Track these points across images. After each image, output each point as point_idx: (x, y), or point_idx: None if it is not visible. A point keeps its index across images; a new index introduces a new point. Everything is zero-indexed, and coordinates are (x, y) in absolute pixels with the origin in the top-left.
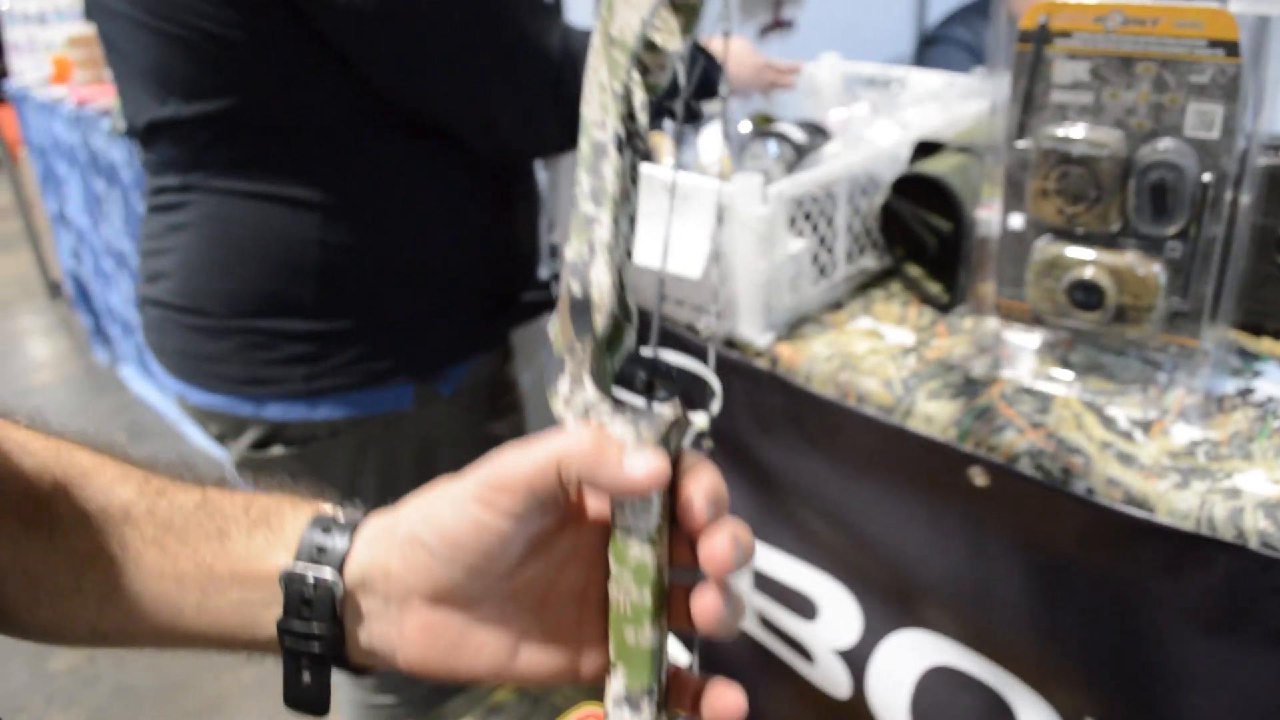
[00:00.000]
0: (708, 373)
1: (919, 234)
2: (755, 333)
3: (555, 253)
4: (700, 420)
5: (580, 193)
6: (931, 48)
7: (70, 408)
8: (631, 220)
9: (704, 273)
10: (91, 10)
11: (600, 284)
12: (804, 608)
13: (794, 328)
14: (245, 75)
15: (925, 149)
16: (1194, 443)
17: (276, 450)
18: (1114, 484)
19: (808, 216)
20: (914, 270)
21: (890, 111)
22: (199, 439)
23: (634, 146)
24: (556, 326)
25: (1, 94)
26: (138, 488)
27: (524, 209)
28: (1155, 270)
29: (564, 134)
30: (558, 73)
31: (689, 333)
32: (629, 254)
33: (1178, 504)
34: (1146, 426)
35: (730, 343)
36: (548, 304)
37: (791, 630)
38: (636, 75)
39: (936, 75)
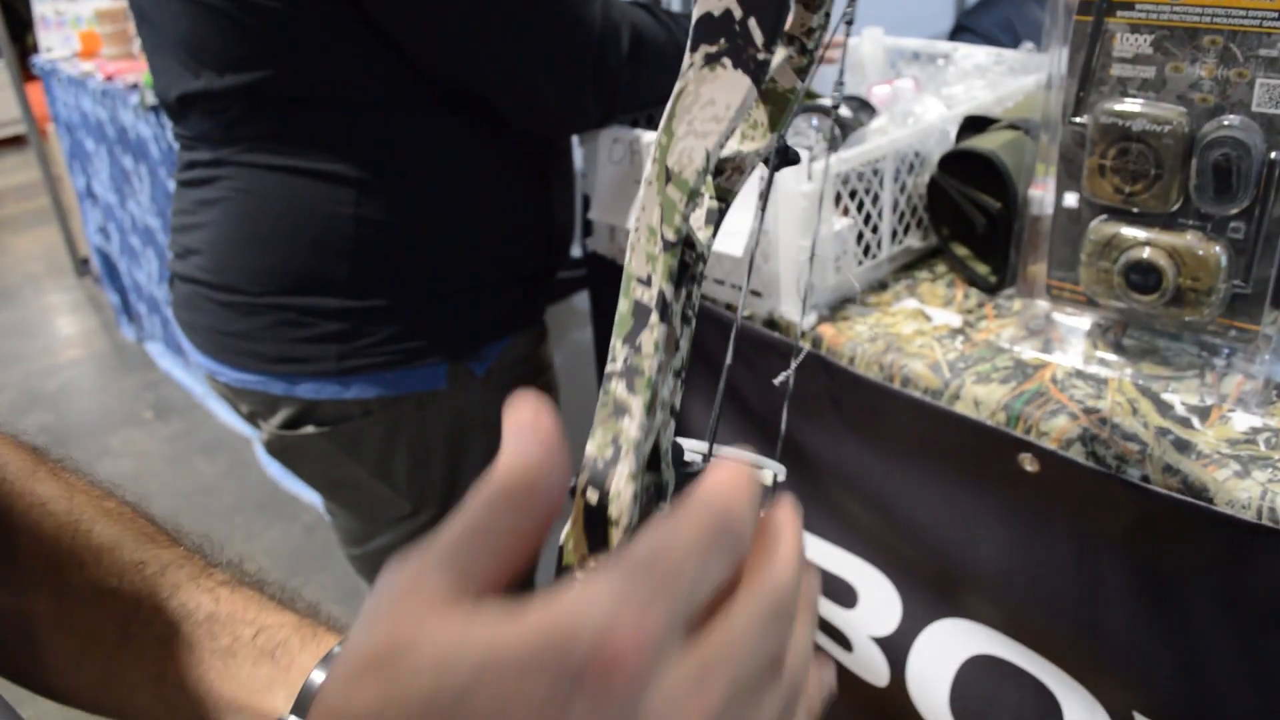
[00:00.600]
0: (770, 464)
1: (967, 213)
2: (797, 313)
3: (589, 230)
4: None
5: (612, 368)
6: (958, 37)
7: (97, 384)
8: (672, 407)
9: (745, 251)
10: None
11: (621, 497)
12: (843, 595)
13: (837, 309)
14: (280, 46)
15: (973, 125)
16: (1254, 430)
17: (308, 429)
18: (1171, 472)
19: (853, 194)
20: (961, 250)
21: (935, 88)
22: (226, 416)
23: (685, 316)
24: (568, 534)
25: (29, 69)
26: (152, 579)
27: (560, 187)
28: (1216, 251)
29: (602, 107)
30: (598, 44)
31: (727, 312)
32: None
33: (1237, 493)
34: (1204, 413)
35: (771, 323)
36: (581, 282)
37: (830, 616)
38: (700, 203)
39: (983, 50)
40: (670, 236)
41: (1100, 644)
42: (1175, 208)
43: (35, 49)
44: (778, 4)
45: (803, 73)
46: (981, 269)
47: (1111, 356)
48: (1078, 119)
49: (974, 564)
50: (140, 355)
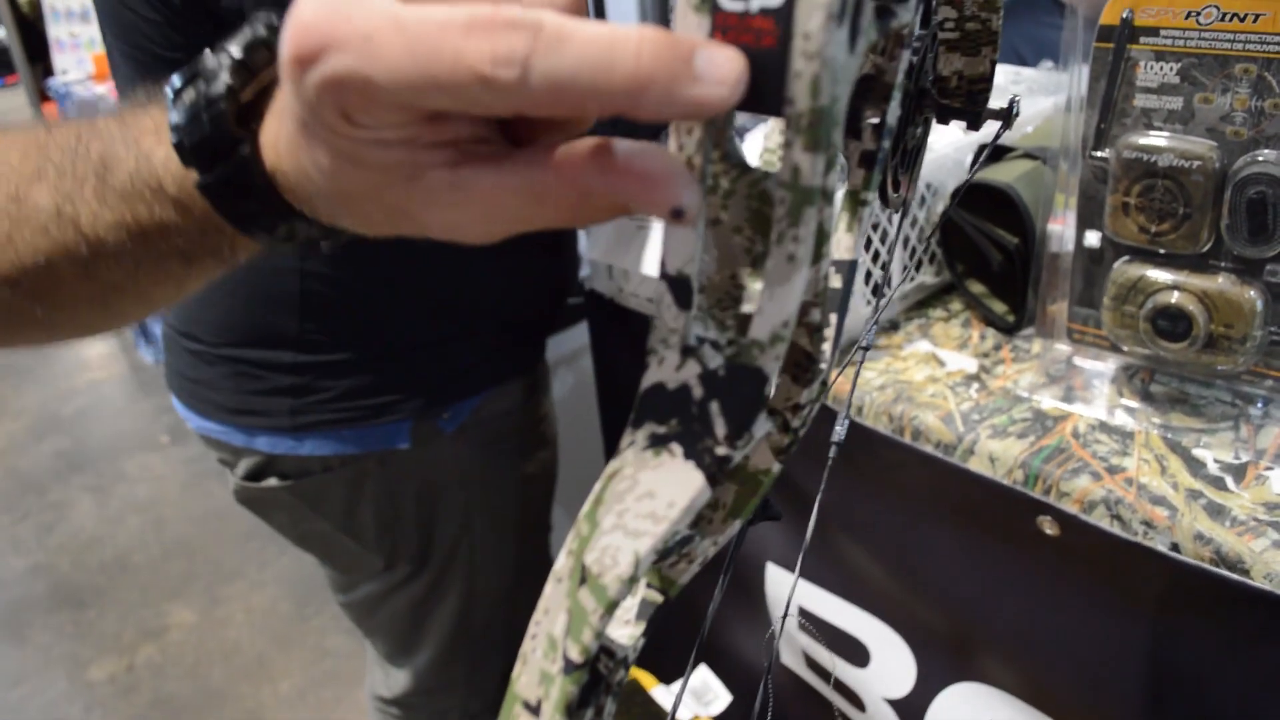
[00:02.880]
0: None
1: (982, 248)
2: None
3: (590, 268)
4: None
5: None
6: None
7: (116, 407)
8: None
9: None
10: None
11: None
12: (855, 653)
13: (844, 351)
14: None
15: (989, 153)
16: None
17: (271, 482)
18: (1202, 540)
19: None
20: (976, 287)
21: None
22: None
23: None
24: None
25: (45, 91)
26: None
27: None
28: (1251, 296)
29: None
30: None
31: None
32: None
33: (1275, 566)
34: (1239, 472)
35: None
36: (582, 311)
37: (841, 675)
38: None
39: (1001, 68)
40: (575, 656)
41: (1126, 718)
42: (1206, 249)
43: (51, 72)
44: (753, 388)
45: (782, 454)
46: (999, 307)
47: (1138, 405)
48: (1099, 153)
49: (992, 627)
50: (157, 378)
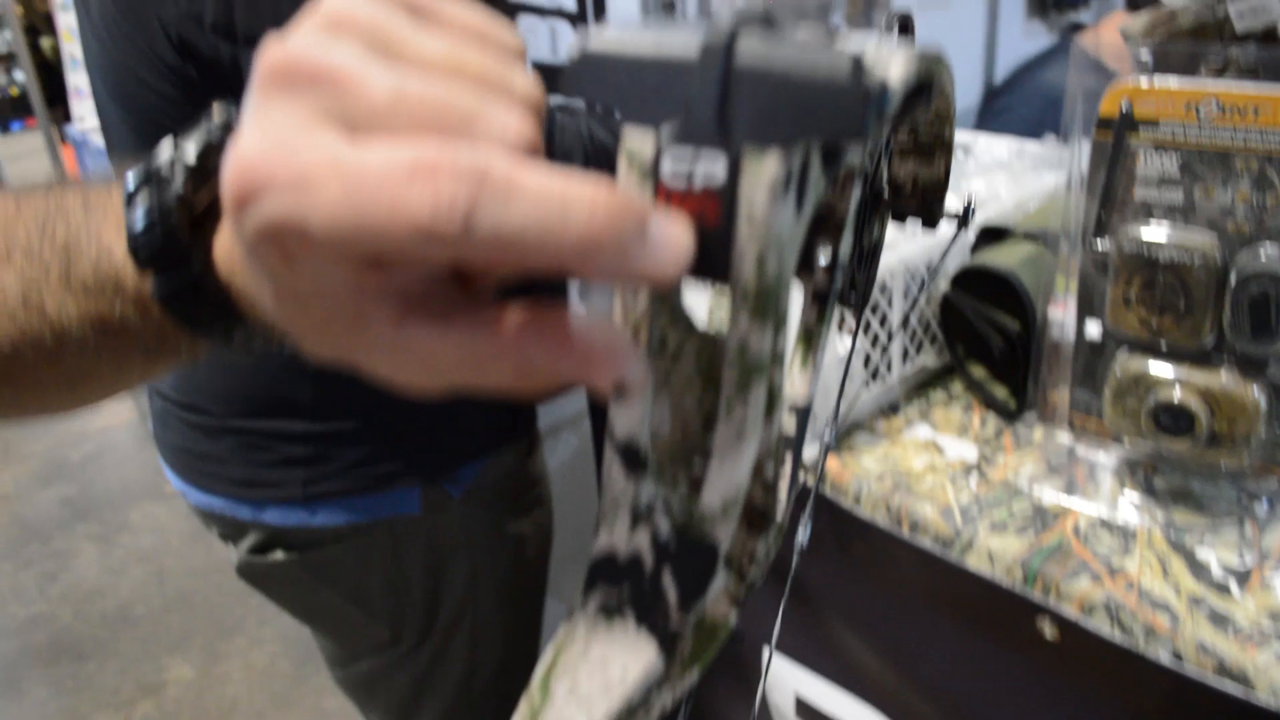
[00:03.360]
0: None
1: (983, 332)
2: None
3: None
4: None
5: None
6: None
7: (122, 455)
8: None
9: None
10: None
11: None
12: None
13: (843, 437)
14: None
15: (991, 234)
16: None
17: (278, 555)
18: (1205, 651)
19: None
20: (978, 371)
21: (954, 183)
22: None
23: None
24: None
25: (64, 135)
26: None
27: (543, 292)
28: (1255, 394)
29: None
30: None
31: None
32: None
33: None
34: (1243, 577)
35: None
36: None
37: None
38: None
39: (1004, 142)
40: None
41: None
42: (1209, 344)
43: (70, 118)
44: (705, 561)
45: (739, 602)
46: (1000, 392)
47: (1140, 500)
48: (1099, 243)
49: None
50: None
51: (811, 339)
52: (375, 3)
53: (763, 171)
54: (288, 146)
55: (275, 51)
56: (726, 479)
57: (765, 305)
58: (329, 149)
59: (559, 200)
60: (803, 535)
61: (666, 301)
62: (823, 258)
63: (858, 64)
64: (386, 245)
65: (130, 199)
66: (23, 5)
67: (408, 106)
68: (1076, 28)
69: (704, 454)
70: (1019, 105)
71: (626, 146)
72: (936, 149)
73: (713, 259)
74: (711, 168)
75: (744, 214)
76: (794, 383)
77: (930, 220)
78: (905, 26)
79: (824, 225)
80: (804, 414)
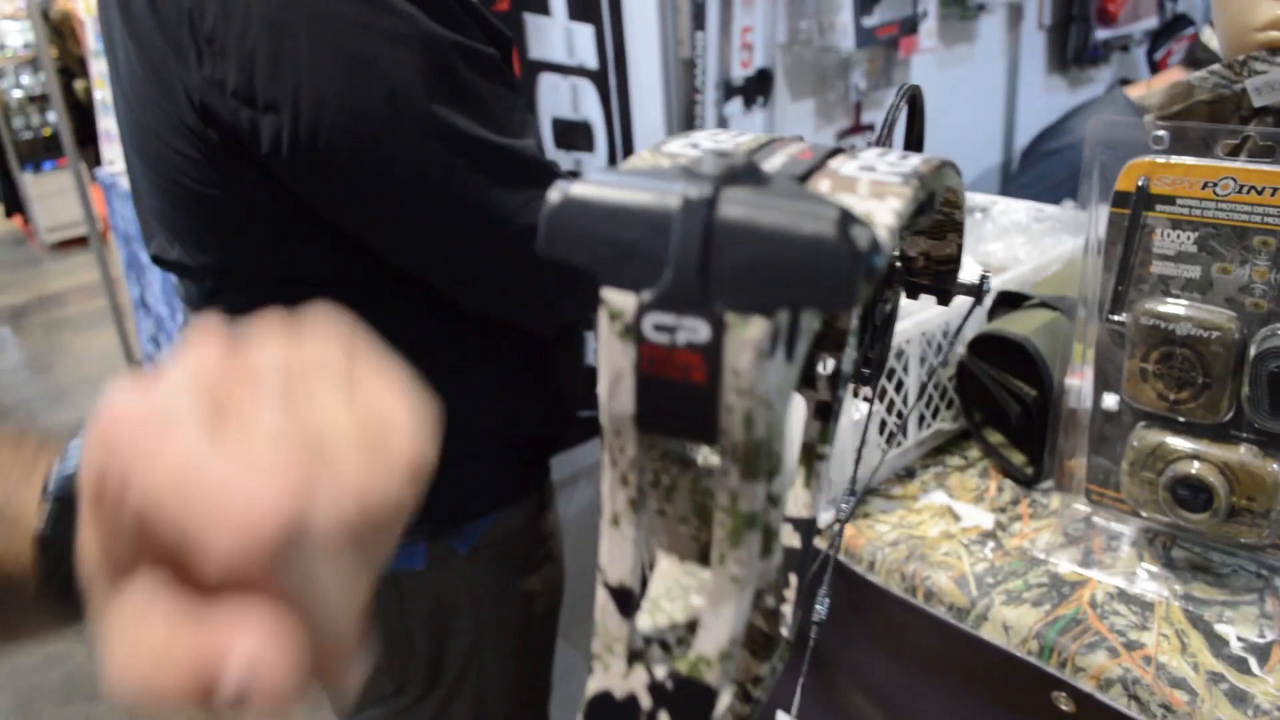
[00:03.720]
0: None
1: (999, 399)
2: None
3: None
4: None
5: None
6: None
7: None
8: None
9: None
10: (121, 144)
11: None
12: None
13: (857, 503)
14: (232, 230)
15: (1007, 299)
16: None
17: None
18: None
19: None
20: (994, 437)
21: (972, 245)
22: None
23: None
24: None
25: (94, 177)
26: None
27: (563, 350)
28: (1275, 469)
29: (566, 304)
30: (523, 241)
31: None
32: None
33: None
34: (1263, 654)
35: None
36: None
37: None
38: None
39: (1023, 206)
40: None
41: None
42: (1227, 419)
43: (100, 161)
44: (702, 704)
45: None
46: (1017, 458)
47: (1158, 571)
48: (1116, 316)
49: None
50: None
51: (815, 456)
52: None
53: (747, 332)
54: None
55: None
56: (722, 627)
57: (755, 463)
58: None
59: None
60: (821, 609)
61: (655, 447)
62: (825, 366)
63: (845, 219)
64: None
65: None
66: (58, 48)
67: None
68: (1125, 82)
69: (701, 592)
70: (1066, 151)
71: (608, 305)
72: (948, 229)
73: (698, 417)
74: (695, 325)
75: (728, 370)
76: (796, 501)
77: (944, 296)
78: (914, 103)
79: (825, 338)
80: (809, 525)
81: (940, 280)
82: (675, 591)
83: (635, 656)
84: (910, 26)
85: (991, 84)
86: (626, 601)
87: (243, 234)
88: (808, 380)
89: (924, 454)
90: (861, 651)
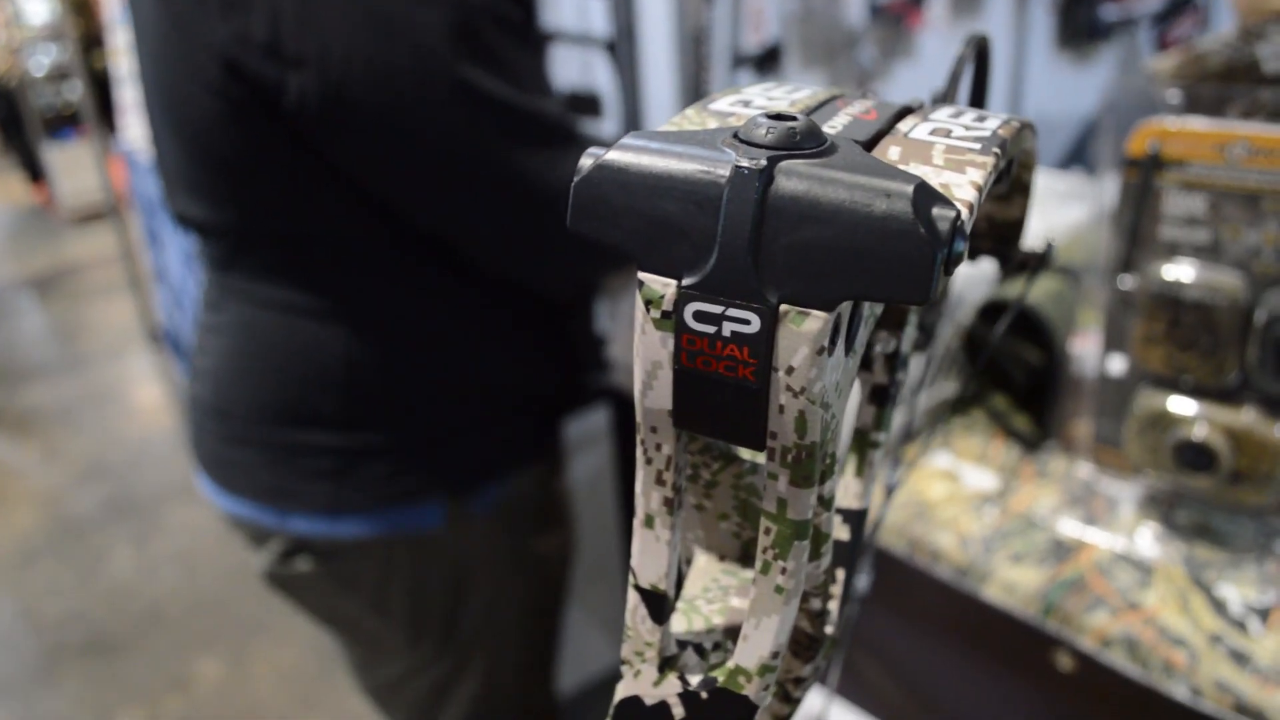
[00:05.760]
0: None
1: (1005, 364)
2: None
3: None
4: None
5: None
6: None
7: (160, 457)
8: None
9: None
10: (143, 104)
11: None
12: None
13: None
14: (258, 190)
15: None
16: None
17: (301, 564)
18: (1224, 689)
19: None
20: (999, 402)
21: None
22: None
23: None
24: None
25: (114, 149)
26: None
27: (581, 314)
28: (1278, 433)
29: (574, 268)
30: (553, 207)
31: None
32: None
33: None
34: (1264, 615)
35: None
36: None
37: None
38: None
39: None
40: None
41: None
42: (1233, 383)
43: (114, 130)
44: (736, 714)
45: None
46: (1021, 422)
47: (1160, 533)
48: (1125, 280)
49: None
50: None
51: (868, 444)
52: None
53: (804, 326)
54: None
55: None
56: (764, 638)
57: (808, 469)
58: None
59: None
60: (863, 583)
61: (695, 439)
62: (883, 345)
63: (923, 197)
64: None
65: None
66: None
67: None
68: None
69: (741, 595)
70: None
71: (645, 289)
72: (1015, 192)
73: (745, 418)
74: (743, 316)
75: (781, 367)
76: (846, 491)
77: (1005, 261)
78: (981, 55)
79: (885, 314)
80: (859, 517)
81: (1002, 244)
82: (714, 592)
83: (667, 663)
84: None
85: (998, 59)
86: (660, 606)
87: (265, 191)
88: (863, 361)
89: (928, 417)
90: (865, 612)
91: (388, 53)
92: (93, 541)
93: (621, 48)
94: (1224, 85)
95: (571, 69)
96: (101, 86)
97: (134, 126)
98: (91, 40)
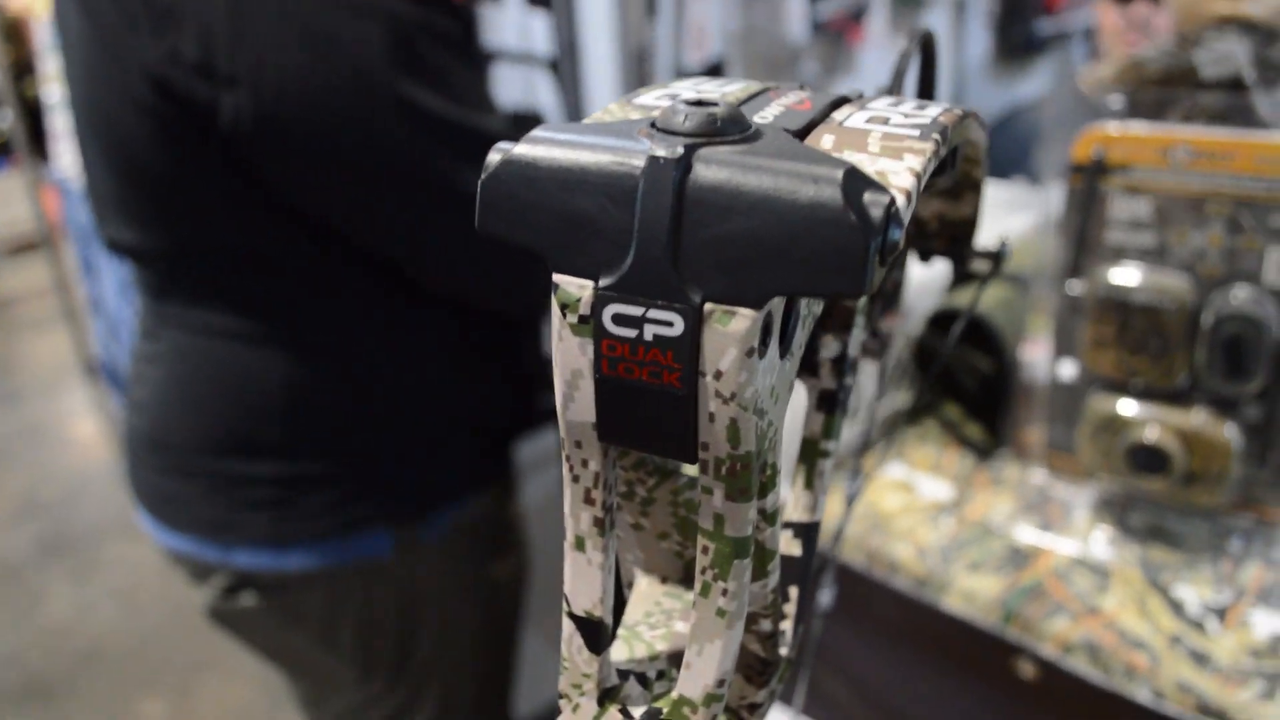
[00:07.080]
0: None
1: (956, 372)
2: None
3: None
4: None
5: None
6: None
7: (96, 493)
8: None
9: None
10: (73, 128)
11: None
12: None
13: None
14: (187, 211)
15: (962, 280)
16: (1278, 638)
17: (246, 599)
18: (1186, 690)
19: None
20: (951, 411)
21: None
22: None
23: None
24: None
25: (47, 178)
26: None
27: (520, 332)
28: (1228, 434)
29: (535, 284)
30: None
31: None
32: None
33: (1263, 717)
34: (1221, 614)
35: None
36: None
37: None
38: None
39: None
40: None
41: None
42: (1182, 384)
43: (46, 159)
44: None
45: None
46: (973, 431)
47: (1116, 537)
48: (1073, 286)
49: None
50: None
51: (817, 453)
52: None
53: (731, 326)
54: None
55: None
56: (708, 666)
57: (744, 481)
58: None
59: None
60: (826, 599)
61: (627, 454)
62: (828, 349)
63: (853, 182)
64: None
65: None
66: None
67: None
68: None
69: (685, 619)
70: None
71: (560, 292)
72: (965, 189)
73: (673, 429)
74: (665, 317)
75: (709, 375)
76: (796, 504)
77: (960, 260)
78: (926, 50)
79: (829, 316)
80: (812, 530)
81: (955, 245)
82: (656, 617)
83: (608, 695)
84: (857, 15)
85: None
86: (596, 634)
87: (199, 214)
88: (809, 366)
89: (881, 429)
90: (826, 628)
91: (324, 71)
92: (28, 581)
93: (564, 66)
94: (1164, 90)
95: (515, 89)
96: (33, 114)
97: (67, 155)
98: (22, 67)
